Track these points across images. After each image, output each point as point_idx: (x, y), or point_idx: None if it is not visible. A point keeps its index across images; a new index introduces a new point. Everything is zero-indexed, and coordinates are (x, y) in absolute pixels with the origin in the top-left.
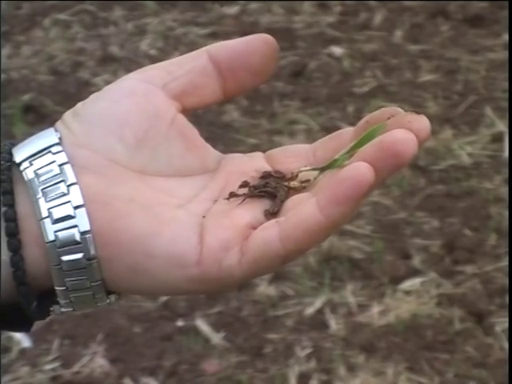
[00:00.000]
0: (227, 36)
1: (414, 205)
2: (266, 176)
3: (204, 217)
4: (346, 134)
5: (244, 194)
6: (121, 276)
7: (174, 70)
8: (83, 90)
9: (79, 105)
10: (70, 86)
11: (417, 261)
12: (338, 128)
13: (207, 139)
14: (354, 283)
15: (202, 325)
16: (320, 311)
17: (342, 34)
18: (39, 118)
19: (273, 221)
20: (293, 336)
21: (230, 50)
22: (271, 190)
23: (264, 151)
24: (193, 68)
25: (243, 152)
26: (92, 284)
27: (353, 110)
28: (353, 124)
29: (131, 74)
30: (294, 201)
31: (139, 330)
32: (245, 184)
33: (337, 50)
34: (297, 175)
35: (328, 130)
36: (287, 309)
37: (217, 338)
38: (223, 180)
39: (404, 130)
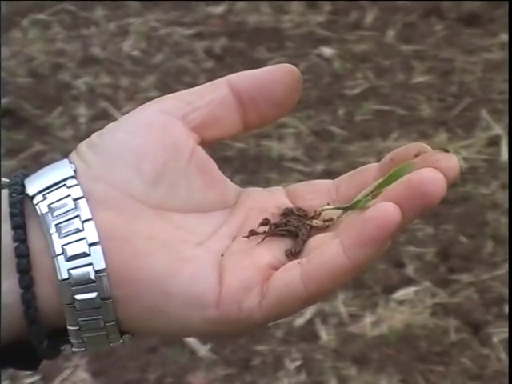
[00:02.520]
0: (213, 37)
1: None
2: (287, 213)
3: (223, 255)
4: (370, 170)
5: (264, 233)
6: (137, 316)
7: (194, 100)
8: (63, 93)
9: (95, 136)
10: (49, 89)
11: (410, 269)
12: (328, 131)
13: None
14: (345, 293)
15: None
16: (310, 322)
17: (332, 34)
18: (17, 122)
19: (295, 262)
20: (282, 347)
21: (252, 80)
22: (293, 229)
23: (251, 156)
24: (213, 98)
25: (232, 158)
26: (106, 324)
27: (343, 112)
28: (343, 127)
29: (148, 104)
30: (316, 241)
31: None
32: (265, 222)
33: (327, 51)
34: (320, 213)
35: (318, 133)
36: None
37: (203, 349)
38: (242, 216)
39: (432, 169)
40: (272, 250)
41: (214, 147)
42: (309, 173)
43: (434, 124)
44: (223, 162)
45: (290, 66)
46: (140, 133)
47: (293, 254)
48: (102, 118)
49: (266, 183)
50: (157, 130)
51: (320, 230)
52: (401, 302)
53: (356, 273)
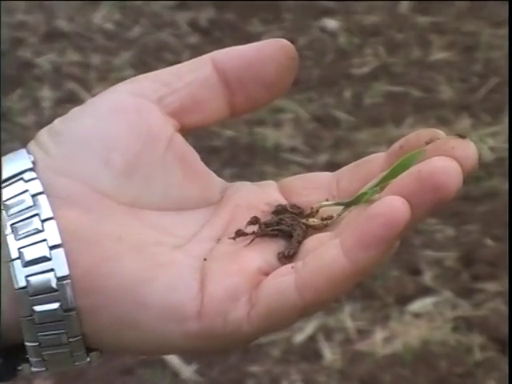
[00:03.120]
0: (198, 7)
1: None
2: (279, 211)
3: (205, 260)
4: (377, 160)
5: (253, 233)
6: (106, 329)
7: (172, 80)
8: (25, 73)
9: (57, 122)
10: (8, 68)
11: (428, 277)
12: (333, 117)
13: None
14: (352, 304)
15: (170, 355)
16: (312, 338)
17: (337, 4)
18: None
19: (288, 266)
20: (279, 368)
21: (240, 57)
22: (286, 229)
23: (243, 145)
24: (194, 79)
25: (220, 148)
26: (70, 339)
27: (350, 95)
28: (350, 112)
29: (119, 86)
30: (313, 241)
31: None
32: (254, 220)
33: (331, 23)
34: (317, 211)
35: (320, 119)
36: (272, 335)
37: (187, 370)
38: (228, 215)
39: (446, 158)
40: (262, 253)
41: (200, 135)
42: (310, 165)
43: (456, 108)
44: (210, 153)
45: (284, 41)
46: (109, 118)
47: (286, 258)
48: (69, 102)
49: (260, 177)
50: (129, 116)
51: (317, 229)
52: (417, 315)
53: (359, 278)
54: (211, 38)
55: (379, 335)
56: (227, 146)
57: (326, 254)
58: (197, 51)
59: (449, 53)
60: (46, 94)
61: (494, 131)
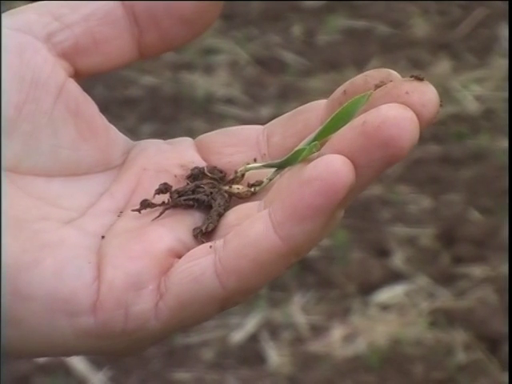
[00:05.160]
0: None
1: (394, 175)
2: (196, 175)
3: (103, 238)
4: (316, 109)
5: (163, 204)
6: None
7: (65, 13)
8: None
9: None
10: None
11: (399, 259)
12: (278, 60)
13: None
14: (303, 294)
15: (76, 360)
16: (253, 337)
17: None
18: None
19: (206, 245)
20: (213, 374)
21: None
22: (204, 198)
23: (166, 96)
24: (93, 12)
25: (138, 99)
26: None
27: (300, 31)
28: (300, 53)
29: None
30: (237, 214)
31: None
32: (165, 188)
33: None
34: (243, 175)
35: (263, 62)
36: (204, 334)
37: (97, 378)
38: (132, 181)
39: (398, 106)
40: (174, 229)
41: (111, 83)
42: (250, 120)
43: (433, 47)
44: (124, 105)
45: None
46: None
47: (203, 234)
48: None
49: (188, 135)
50: (8, 58)
51: (243, 198)
52: (385, 307)
53: (293, 259)
54: None
55: (338, 333)
56: (146, 96)
57: (252, 230)
58: None
59: None
60: None
61: (480, 76)
